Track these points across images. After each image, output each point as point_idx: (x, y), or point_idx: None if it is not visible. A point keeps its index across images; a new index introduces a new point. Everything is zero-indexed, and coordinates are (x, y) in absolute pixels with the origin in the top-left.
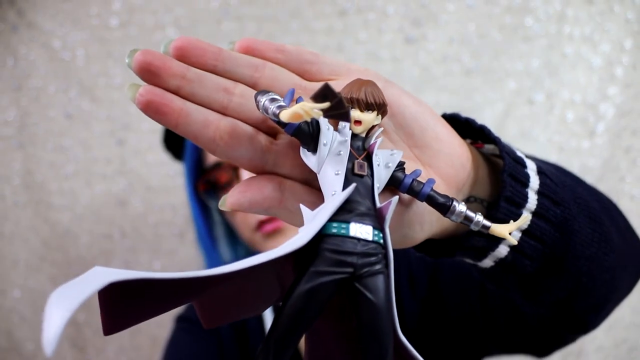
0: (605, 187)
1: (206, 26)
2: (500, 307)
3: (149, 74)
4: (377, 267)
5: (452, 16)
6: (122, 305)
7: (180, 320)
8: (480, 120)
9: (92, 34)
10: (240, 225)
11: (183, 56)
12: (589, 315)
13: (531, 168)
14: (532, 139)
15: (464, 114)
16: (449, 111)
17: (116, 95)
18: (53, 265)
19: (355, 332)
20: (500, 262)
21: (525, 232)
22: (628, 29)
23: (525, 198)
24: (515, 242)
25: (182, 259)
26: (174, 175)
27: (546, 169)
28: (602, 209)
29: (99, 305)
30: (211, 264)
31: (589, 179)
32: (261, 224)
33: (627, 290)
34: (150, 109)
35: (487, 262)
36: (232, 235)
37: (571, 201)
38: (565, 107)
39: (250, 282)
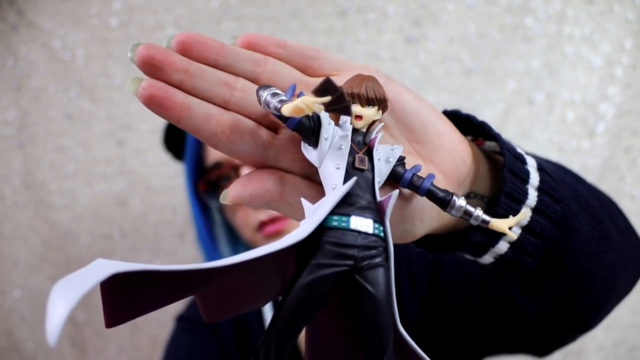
0: (605, 187)
1: (206, 26)
2: (500, 306)
3: (151, 67)
4: (378, 260)
5: (452, 16)
6: (125, 297)
7: (180, 319)
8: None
9: (92, 34)
10: (241, 225)
11: (185, 51)
12: (588, 314)
13: (531, 165)
14: (532, 139)
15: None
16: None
17: (116, 95)
18: (53, 265)
19: (356, 325)
20: (500, 258)
21: (525, 229)
22: (628, 29)
23: (525, 194)
24: (515, 237)
25: (182, 259)
26: (174, 175)
27: (546, 166)
28: (602, 207)
29: (101, 297)
30: None
31: (589, 179)
32: (262, 224)
33: (627, 289)
34: (153, 103)
35: (487, 259)
36: (233, 235)
37: (571, 198)
38: (565, 107)
39: (252, 275)
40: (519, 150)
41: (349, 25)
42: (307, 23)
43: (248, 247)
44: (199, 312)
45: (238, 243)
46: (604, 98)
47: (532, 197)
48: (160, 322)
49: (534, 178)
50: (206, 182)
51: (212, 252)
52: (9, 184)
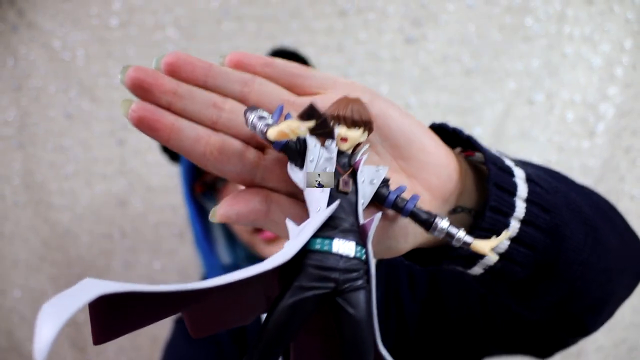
0: (605, 187)
1: (206, 26)
2: (499, 309)
3: (141, 90)
4: (359, 282)
5: (452, 16)
6: (112, 316)
7: (180, 321)
8: (480, 120)
9: (92, 34)
10: (238, 227)
11: (174, 72)
12: (586, 317)
13: (519, 176)
14: (532, 139)
15: (464, 114)
16: (448, 112)
17: (116, 95)
18: (53, 265)
19: (338, 346)
20: (489, 269)
21: (514, 240)
22: (628, 29)
23: (512, 207)
24: (496, 259)
25: (182, 259)
26: (174, 175)
27: (537, 176)
28: (597, 212)
29: (89, 316)
30: (208, 267)
31: (589, 179)
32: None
33: (627, 292)
34: (143, 125)
35: (477, 270)
36: (231, 237)
37: (563, 207)
38: (565, 107)
39: (238, 295)
40: (507, 162)
41: (349, 25)
42: (307, 23)
43: (246, 248)
44: None
45: (236, 245)
46: (604, 98)
47: (520, 209)
48: (160, 323)
49: (522, 190)
50: (202, 184)
51: (209, 254)
52: (9, 184)
